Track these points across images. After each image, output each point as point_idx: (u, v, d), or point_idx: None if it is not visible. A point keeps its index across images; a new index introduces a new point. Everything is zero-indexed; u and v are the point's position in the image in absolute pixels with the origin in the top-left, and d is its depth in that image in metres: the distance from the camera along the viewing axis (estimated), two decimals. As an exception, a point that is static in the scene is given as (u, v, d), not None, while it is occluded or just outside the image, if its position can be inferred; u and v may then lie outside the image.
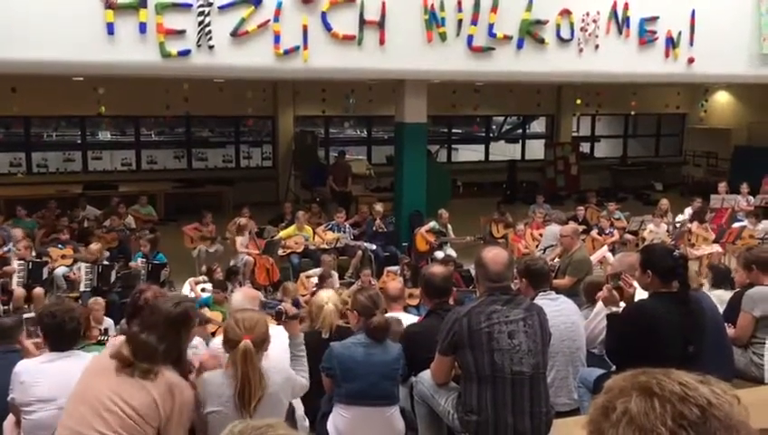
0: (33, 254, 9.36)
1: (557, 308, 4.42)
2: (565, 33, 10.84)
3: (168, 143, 17.91)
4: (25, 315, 5.70)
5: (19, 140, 16.44)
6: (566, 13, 10.81)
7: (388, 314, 4.62)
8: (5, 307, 8.51)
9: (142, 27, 8.65)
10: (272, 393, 3.16)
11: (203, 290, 9.08)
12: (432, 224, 11.05)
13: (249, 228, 10.49)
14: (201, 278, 9.35)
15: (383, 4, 9.78)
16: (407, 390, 4.05)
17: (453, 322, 3.45)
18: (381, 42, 9.85)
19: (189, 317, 3.14)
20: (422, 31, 10.08)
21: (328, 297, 4.44)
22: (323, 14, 9.49)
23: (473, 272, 10.00)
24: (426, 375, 3.79)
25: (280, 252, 10.49)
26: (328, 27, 9.53)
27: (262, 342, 3.13)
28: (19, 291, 8.67)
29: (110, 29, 8.53)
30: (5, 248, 9.27)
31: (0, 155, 16.22)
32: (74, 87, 13.01)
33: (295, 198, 15.60)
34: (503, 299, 3.48)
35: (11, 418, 3.67)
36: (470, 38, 10.30)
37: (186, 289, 9.03)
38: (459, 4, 10.17)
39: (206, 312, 7.90)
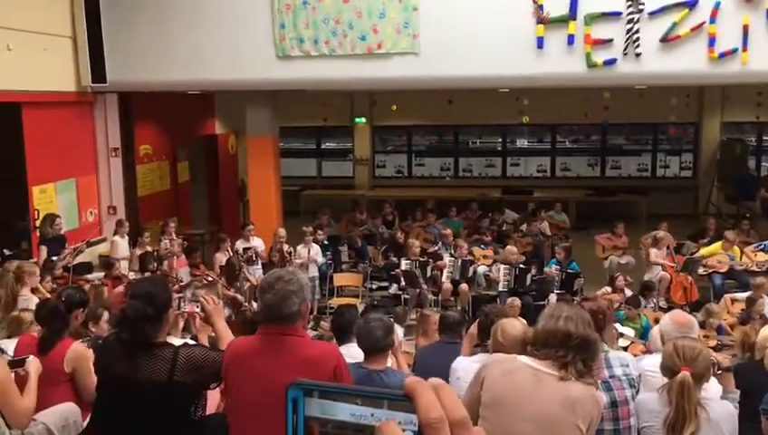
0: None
1: None
2: None
3: (583, 151, 18.03)
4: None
5: (449, 146, 18.24)
6: None
7: None
8: (435, 298, 9.55)
9: (570, 39, 8.87)
10: (711, 420, 2.96)
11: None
12: None
13: (667, 242, 9.95)
14: (608, 289, 9.19)
15: None
16: None
17: None
18: None
19: None
20: None
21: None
22: (769, 11, 8.54)
23: None
24: None
25: (700, 271, 9.72)
26: (774, 25, 8.54)
27: (702, 375, 2.94)
28: (447, 285, 9.61)
29: (540, 43, 8.94)
30: (436, 247, 10.38)
31: (433, 160, 18.24)
32: (500, 98, 13.91)
33: (717, 211, 14.33)
34: None
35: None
36: None
37: (596, 299, 8.98)
38: None
39: (618, 327, 7.73)
